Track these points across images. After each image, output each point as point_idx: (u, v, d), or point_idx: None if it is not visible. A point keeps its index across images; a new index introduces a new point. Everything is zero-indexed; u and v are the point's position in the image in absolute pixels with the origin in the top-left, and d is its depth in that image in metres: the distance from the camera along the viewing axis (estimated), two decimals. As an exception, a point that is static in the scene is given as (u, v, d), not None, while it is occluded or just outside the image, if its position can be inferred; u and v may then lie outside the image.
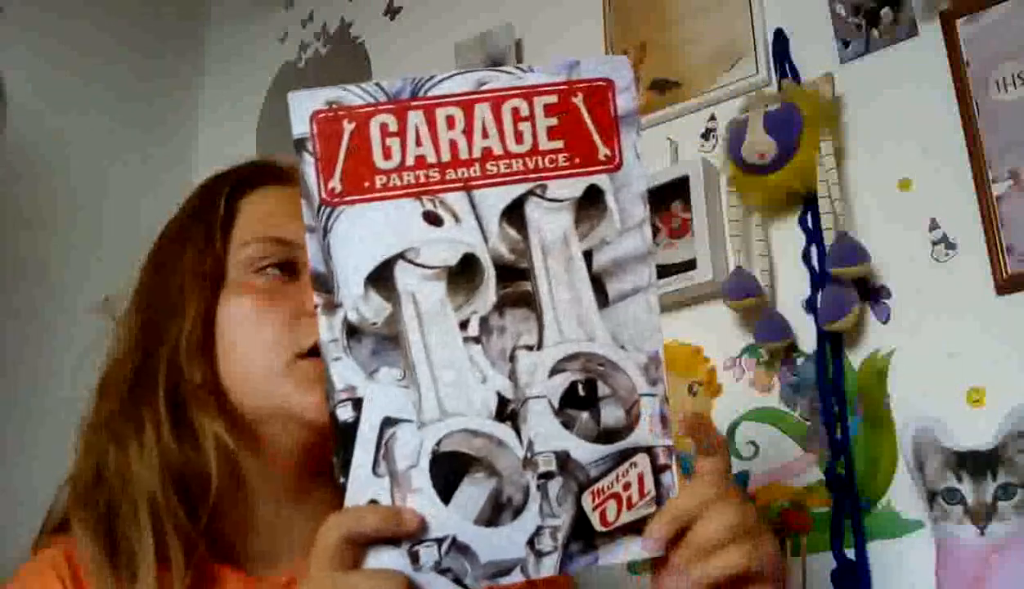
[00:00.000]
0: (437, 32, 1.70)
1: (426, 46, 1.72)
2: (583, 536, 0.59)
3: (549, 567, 0.58)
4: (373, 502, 0.57)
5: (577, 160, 0.60)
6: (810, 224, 1.19)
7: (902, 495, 1.06)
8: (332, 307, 0.57)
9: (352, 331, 0.57)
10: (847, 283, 1.11)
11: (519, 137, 0.59)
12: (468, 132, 0.58)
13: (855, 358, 1.13)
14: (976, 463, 0.98)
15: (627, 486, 0.60)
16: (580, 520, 0.59)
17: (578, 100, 0.60)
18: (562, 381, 0.60)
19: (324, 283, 0.58)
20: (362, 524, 0.57)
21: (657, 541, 0.60)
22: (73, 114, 1.80)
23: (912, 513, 1.04)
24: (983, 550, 0.96)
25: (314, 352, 0.72)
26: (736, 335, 1.22)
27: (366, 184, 0.57)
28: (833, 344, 1.13)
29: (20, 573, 0.75)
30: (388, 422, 0.58)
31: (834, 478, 1.09)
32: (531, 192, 0.60)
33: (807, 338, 1.17)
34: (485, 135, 0.58)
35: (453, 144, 0.58)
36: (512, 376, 0.60)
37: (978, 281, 1.06)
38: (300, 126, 0.58)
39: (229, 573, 0.75)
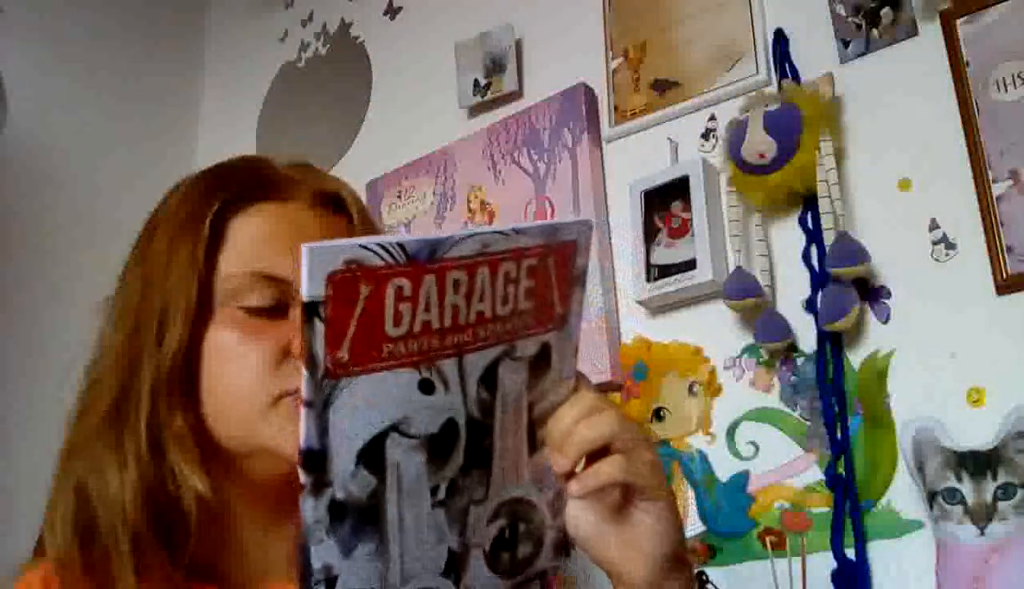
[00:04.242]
0: (437, 32, 1.70)
1: (426, 46, 1.72)
2: None
3: None
4: None
5: (540, 320, 0.60)
6: (810, 224, 1.19)
7: (902, 495, 1.06)
8: (321, 488, 0.53)
9: (335, 508, 0.54)
10: (847, 283, 1.11)
11: (505, 300, 0.57)
12: (468, 296, 0.55)
13: (855, 358, 1.13)
14: (976, 463, 0.98)
15: None
16: None
17: (550, 261, 0.59)
18: (495, 528, 0.62)
19: (316, 462, 0.53)
20: None
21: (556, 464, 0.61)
22: (73, 114, 1.80)
23: (912, 513, 1.05)
24: (983, 550, 0.96)
25: (298, 392, 0.72)
26: (736, 335, 1.22)
27: (373, 354, 0.52)
28: (833, 344, 1.14)
29: None
30: None
31: (834, 478, 1.09)
32: (505, 353, 0.58)
33: (807, 338, 1.17)
34: (481, 299, 0.56)
35: (455, 310, 0.55)
36: (462, 531, 0.60)
37: (978, 281, 1.06)
38: (315, 287, 0.49)
39: None
